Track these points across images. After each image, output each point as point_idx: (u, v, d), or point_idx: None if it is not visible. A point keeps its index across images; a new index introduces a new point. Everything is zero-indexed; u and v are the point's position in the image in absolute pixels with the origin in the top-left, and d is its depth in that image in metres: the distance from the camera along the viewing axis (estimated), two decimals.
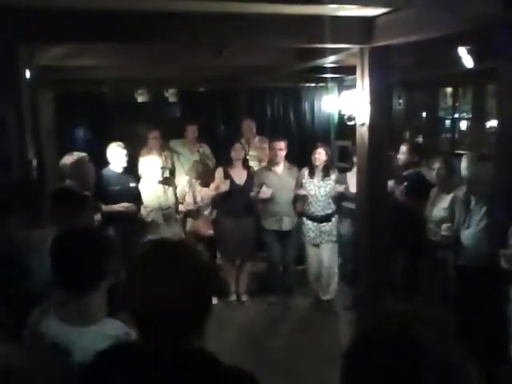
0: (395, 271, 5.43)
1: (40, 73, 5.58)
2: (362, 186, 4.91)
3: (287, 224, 6.27)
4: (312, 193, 6.15)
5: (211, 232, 6.31)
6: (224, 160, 6.75)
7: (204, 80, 8.71)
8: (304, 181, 6.22)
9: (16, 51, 4.17)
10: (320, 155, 6.19)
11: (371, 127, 4.63)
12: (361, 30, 4.33)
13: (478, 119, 7.30)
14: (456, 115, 8.04)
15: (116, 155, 5.81)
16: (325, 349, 4.99)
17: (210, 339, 1.46)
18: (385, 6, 3.92)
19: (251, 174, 6.36)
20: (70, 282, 1.91)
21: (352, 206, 5.75)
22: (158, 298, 1.34)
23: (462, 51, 4.91)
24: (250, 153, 7.31)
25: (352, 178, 5.68)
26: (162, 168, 6.21)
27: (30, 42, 4.39)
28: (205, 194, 6.30)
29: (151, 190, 6.05)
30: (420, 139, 8.55)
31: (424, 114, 8.50)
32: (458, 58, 4.97)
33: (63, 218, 2.95)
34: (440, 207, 4.87)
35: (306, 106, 9.42)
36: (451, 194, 4.76)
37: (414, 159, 5.79)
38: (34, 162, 4.48)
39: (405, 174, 5.64)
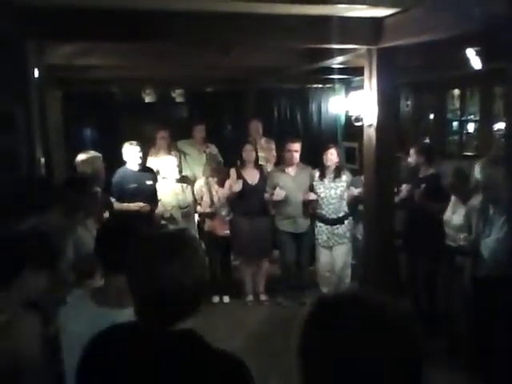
0: (413, 273, 5.34)
1: (49, 71, 5.60)
2: (369, 186, 4.91)
3: (302, 226, 6.17)
4: (322, 195, 6.01)
5: (227, 232, 6.28)
6: (231, 160, 6.75)
7: (211, 80, 8.73)
8: (314, 183, 6.10)
9: (25, 49, 4.19)
10: (332, 156, 6.02)
11: (379, 128, 4.63)
12: (369, 30, 4.33)
13: (485, 121, 7.27)
14: (464, 117, 8.02)
15: (132, 154, 5.92)
16: None
17: (224, 338, 1.49)
18: (393, 7, 3.91)
19: (263, 175, 6.31)
20: (113, 265, 2.06)
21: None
22: (160, 282, 1.44)
23: (470, 52, 4.89)
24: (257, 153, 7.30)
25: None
26: (180, 166, 6.29)
27: (38, 40, 4.42)
28: (221, 193, 6.29)
29: (169, 189, 6.12)
30: (427, 141, 8.53)
31: (432, 116, 8.47)
32: (466, 60, 4.95)
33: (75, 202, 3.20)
34: (458, 214, 4.68)
35: (314, 106, 9.43)
36: (467, 203, 4.52)
37: (426, 161, 5.53)
38: (42, 161, 4.50)
39: (421, 176, 5.39)
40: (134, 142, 6.03)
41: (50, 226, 2.82)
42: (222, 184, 6.35)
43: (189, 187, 6.30)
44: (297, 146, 6.15)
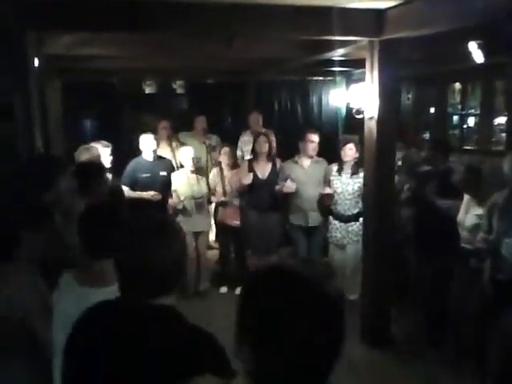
0: (420, 274, 5.17)
1: (48, 62, 5.58)
2: (369, 179, 4.89)
3: (313, 220, 6.03)
4: (339, 190, 5.83)
5: (236, 223, 6.26)
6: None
7: (212, 72, 8.71)
8: (331, 177, 5.92)
9: (24, 39, 4.16)
10: (351, 151, 5.81)
11: (380, 121, 4.61)
12: (371, 22, 4.30)
13: (486, 115, 7.26)
14: (464, 111, 8.01)
15: (147, 144, 6.03)
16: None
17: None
18: None
19: (275, 168, 6.20)
20: (95, 249, 2.21)
21: None
22: (145, 258, 1.61)
23: (472, 46, 4.88)
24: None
25: None
26: (195, 157, 6.31)
27: (38, 30, 4.40)
28: (232, 181, 6.29)
29: (185, 179, 6.17)
30: (427, 135, 8.53)
31: (432, 110, 8.45)
32: (468, 53, 4.94)
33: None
34: (472, 213, 4.42)
35: (314, 99, 9.43)
36: (484, 201, 4.23)
37: (442, 156, 5.25)
38: (42, 151, 4.49)
39: (433, 171, 5.16)
40: (150, 133, 6.17)
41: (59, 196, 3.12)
42: (232, 166, 6.38)
43: (203, 178, 6.34)
44: (316, 137, 6.01)
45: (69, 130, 7.65)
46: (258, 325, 1.16)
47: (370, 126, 4.73)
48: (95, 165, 4.44)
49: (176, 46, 5.72)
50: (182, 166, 6.36)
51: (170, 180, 6.10)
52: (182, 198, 6.08)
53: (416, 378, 4.45)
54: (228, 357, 1.56)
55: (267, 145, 6.15)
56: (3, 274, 2.40)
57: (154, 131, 7.37)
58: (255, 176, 6.10)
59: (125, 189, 5.73)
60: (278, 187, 6.02)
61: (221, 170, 6.40)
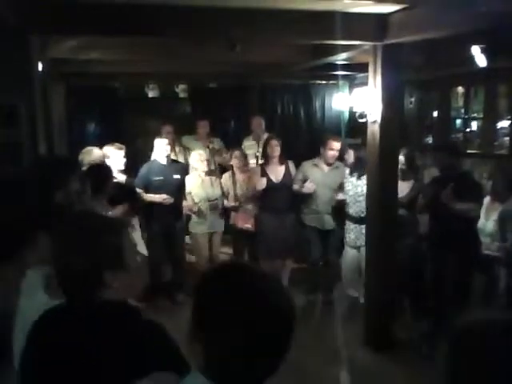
0: (443, 282, 4.99)
1: (52, 66, 5.60)
2: (373, 183, 4.89)
3: (328, 223, 6.03)
4: (350, 193, 5.75)
5: (248, 226, 6.25)
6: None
7: (215, 76, 8.71)
8: (344, 180, 5.89)
9: (29, 43, 4.18)
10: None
11: (383, 125, 4.61)
12: (374, 26, 4.30)
13: (489, 119, 7.26)
14: (467, 115, 8.01)
15: (160, 148, 6.09)
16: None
17: None
18: (399, 3, 3.89)
19: (289, 171, 6.18)
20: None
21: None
22: (72, 264, 1.62)
23: (475, 50, 4.87)
24: (260, 149, 7.30)
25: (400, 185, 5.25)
26: (209, 160, 6.42)
27: (42, 34, 4.41)
28: (244, 184, 6.30)
29: (199, 182, 6.23)
30: (430, 138, 8.54)
31: (435, 114, 8.46)
32: (471, 57, 4.94)
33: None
34: (493, 219, 4.33)
35: (317, 103, 9.42)
36: (504, 205, 4.17)
37: (456, 160, 5.19)
38: (45, 155, 4.51)
39: (449, 175, 5.03)
40: (163, 136, 6.30)
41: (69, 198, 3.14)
42: (243, 170, 6.39)
43: (217, 180, 6.38)
44: (339, 146, 5.97)
45: (72, 134, 7.66)
46: (206, 322, 1.23)
47: (373, 130, 4.73)
48: (106, 166, 4.71)
49: (179, 50, 5.73)
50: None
51: (184, 183, 6.16)
52: (196, 201, 6.14)
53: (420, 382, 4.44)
54: (181, 352, 1.62)
55: (279, 148, 6.13)
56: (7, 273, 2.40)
57: (158, 135, 7.41)
58: (269, 180, 6.09)
59: (138, 191, 5.86)
60: (296, 187, 6.01)
61: (233, 173, 6.41)
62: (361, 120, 5.41)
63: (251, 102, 9.12)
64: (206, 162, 6.30)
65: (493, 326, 1.17)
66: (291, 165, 6.25)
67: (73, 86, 7.74)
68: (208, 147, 7.41)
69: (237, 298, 1.21)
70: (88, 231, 1.69)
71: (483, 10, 3.22)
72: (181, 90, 9.03)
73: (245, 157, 6.54)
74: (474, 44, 4.85)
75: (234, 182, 6.34)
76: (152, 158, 6.27)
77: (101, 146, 5.62)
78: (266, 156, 6.20)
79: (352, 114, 8.42)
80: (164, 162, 6.12)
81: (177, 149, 7.26)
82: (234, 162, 6.39)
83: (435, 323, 5.00)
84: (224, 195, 6.34)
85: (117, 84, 8.61)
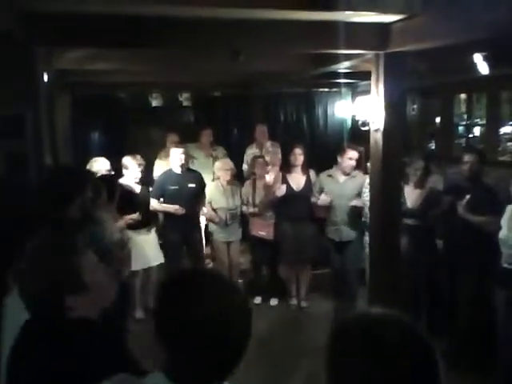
0: (459, 296, 4.88)
1: (57, 76, 5.64)
2: (376, 191, 4.90)
3: (345, 234, 5.87)
4: (367, 203, 5.48)
5: (263, 233, 6.28)
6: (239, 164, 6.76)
7: (218, 85, 8.76)
8: (363, 189, 5.70)
9: (34, 54, 4.22)
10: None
11: (385, 133, 4.63)
12: (376, 35, 4.32)
13: (492, 125, 7.27)
14: (470, 121, 8.02)
15: (175, 157, 6.11)
16: None
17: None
18: (401, 13, 3.92)
19: (310, 180, 6.18)
20: None
21: (411, 222, 5.18)
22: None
23: (477, 57, 4.90)
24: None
25: (411, 193, 5.27)
26: (230, 169, 6.47)
27: (48, 46, 4.45)
28: (263, 192, 6.35)
29: (220, 191, 6.33)
30: (433, 145, 8.55)
31: (438, 120, 8.48)
32: (473, 65, 4.96)
33: None
34: None
35: (320, 111, 9.45)
36: None
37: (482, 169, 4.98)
38: (51, 165, 4.54)
39: (466, 185, 4.89)
40: (179, 146, 6.36)
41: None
42: (261, 177, 6.45)
43: (238, 189, 6.46)
44: (355, 154, 5.89)
45: (77, 144, 7.71)
46: (164, 327, 1.33)
47: (376, 138, 4.74)
48: (113, 176, 4.93)
49: (182, 59, 5.77)
50: None
51: (200, 192, 6.21)
52: (218, 210, 6.25)
53: None
54: (135, 358, 1.77)
55: (302, 157, 6.13)
56: None
57: (162, 144, 7.46)
58: (289, 187, 6.10)
59: (154, 201, 5.95)
60: (313, 199, 5.98)
61: (254, 181, 6.47)
62: (363, 128, 5.42)
63: (254, 111, 9.16)
64: (229, 172, 6.38)
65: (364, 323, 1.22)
66: (312, 173, 6.24)
67: (78, 95, 7.79)
68: (211, 155, 7.44)
69: (192, 304, 1.29)
70: (41, 259, 1.80)
71: (485, 19, 3.24)
72: (184, 98, 9.08)
73: (266, 164, 6.59)
74: (476, 52, 4.87)
75: (254, 190, 6.40)
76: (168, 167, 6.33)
77: (107, 156, 5.69)
78: (287, 164, 6.20)
79: (354, 121, 8.44)
80: (179, 171, 6.13)
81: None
82: (257, 171, 6.46)
83: (451, 339, 4.86)
84: (243, 203, 6.40)
85: (121, 94, 8.66)
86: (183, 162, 6.14)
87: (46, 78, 4.58)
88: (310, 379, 4.56)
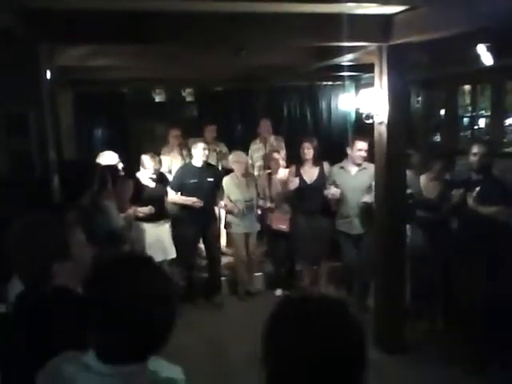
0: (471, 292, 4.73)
1: (60, 73, 5.64)
2: (380, 185, 4.89)
3: (357, 227, 5.81)
4: None
5: (282, 227, 6.35)
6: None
7: (221, 80, 8.73)
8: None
9: (37, 52, 4.22)
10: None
11: (390, 125, 4.61)
12: (379, 27, 4.31)
13: (496, 116, 7.24)
14: (474, 113, 7.99)
15: (198, 151, 6.16)
16: None
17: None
18: (403, 4, 3.90)
19: (323, 173, 6.16)
20: None
21: (425, 214, 5.15)
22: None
23: (481, 48, 4.87)
24: (267, 152, 7.33)
25: (427, 182, 5.23)
26: (244, 162, 6.54)
27: (50, 43, 4.45)
28: (278, 185, 6.42)
29: (236, 183, 6.39)
30: (438, 137, 8.52)
31: (442, 112, 8.44)
32: (477, 56, 4.93)
33: None
34: None
35: (323, 104, 9.42)
36: None
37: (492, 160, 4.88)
38: (55, 162, 4.54)
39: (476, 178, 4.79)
40: (201, 140, 6.44)
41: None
42: (275, 171, 6.55)
43: (253, 182, 6.53)
44: (365, 145, 5.78)
45: (81, 140, 7.72)
46: (93, 311, 1.42)
47: (380, 131, 4.73)
48: (115, 166, 5.10)
49: (185, 54, 5.77)
50: None
51: (218, 186, 6.30)
52: (235, 201, 6.34)
53: None
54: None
55: (311, 151, 6.15)
56: None
57: (165, 139, 7.46)
58: (302, 181, 6.11)
59: (172, 193, 6.07)
60: (326, 192, 5.95)
61: (269, 175, 6.57)
62: (367, 121, 5.39)
63: (258, 105, 9.13)
64: (244, 165, 6.45)
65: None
66: (326, 165, 6.22)
67: (81, 92, 7.79)
68: (215, 150, 7.43)
69: (116, 289, 1.40)
70: (35, 231, 2.03)
71: (488, 9, 3.22)
72: (187, 93, 9.06)
73: (281, 159, 6.69)
74: (480, 42, 4.84)
75: (270, 184, 6.47)
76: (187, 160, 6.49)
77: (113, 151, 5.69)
78: (300, 157, 6.23)
79: (358, 114, 8.41)
80: (199, 165, 6.19)
81: (184, 152, 7.29)
82: (272, 165, 6.56)
83: (464, 335, 4.78)
84: (259, 196, 6.48)
85: (124, 89, 8.65)
86: (205, 156, 6.21)
87: (48, 75, 4.58)
88: None
